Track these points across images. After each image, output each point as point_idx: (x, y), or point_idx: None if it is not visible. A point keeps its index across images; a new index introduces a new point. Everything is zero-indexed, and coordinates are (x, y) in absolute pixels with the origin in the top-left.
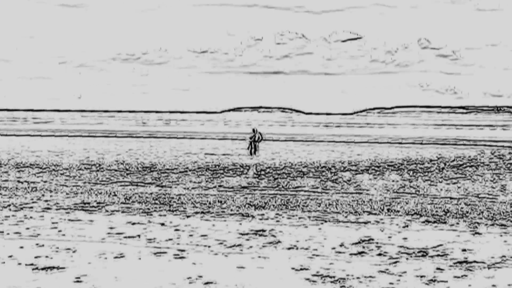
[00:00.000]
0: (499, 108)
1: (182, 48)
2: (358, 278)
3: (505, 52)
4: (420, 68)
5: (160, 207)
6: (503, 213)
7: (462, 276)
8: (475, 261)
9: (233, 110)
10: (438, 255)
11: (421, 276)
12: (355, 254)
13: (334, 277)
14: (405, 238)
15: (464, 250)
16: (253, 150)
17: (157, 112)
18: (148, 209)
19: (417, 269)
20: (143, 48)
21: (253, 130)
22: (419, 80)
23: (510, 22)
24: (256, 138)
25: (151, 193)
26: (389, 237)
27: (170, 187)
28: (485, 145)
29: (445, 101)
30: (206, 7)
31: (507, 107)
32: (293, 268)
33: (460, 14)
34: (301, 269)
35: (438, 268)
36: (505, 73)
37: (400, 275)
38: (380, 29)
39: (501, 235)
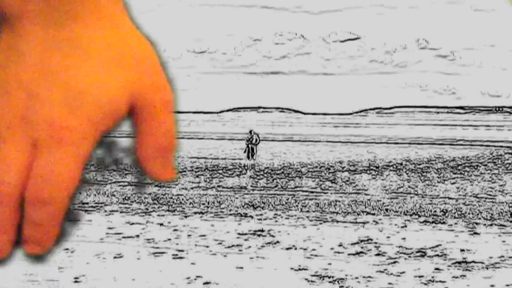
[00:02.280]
0: (498, 108)
1: (181, 48)
2: (356, 278)
3: (503, 53)
4: (419, 69)
5: (158, 207)
6: (502, 213)
7: (460, 276)
8: (473, 261)
9: (232, 110)
10: (436, 255)
11: (420, 276)
12: (353, 254)
13: (332, 277)
14: (403, 238)
15: (462, 250)
16: (250, 153)
17: None
18: (147, 209)
19: (416, 269)
20: None
21: (250, 132)
22: (417, 81)
23: (508, 22)
24: (254, 141)
25: (150, 193)
26: (388, 237)
27: (169, 187)
28: (484, 145)
29: (444, 101)
30: (204, 7)
31: (507, 107)
32: (292, 268)
33: (458, 15)
34: (300, 269)
35: (436, 268)
36: (503, 73)
37: (398, 275)
38: (378, 29)
39: (499, 235)
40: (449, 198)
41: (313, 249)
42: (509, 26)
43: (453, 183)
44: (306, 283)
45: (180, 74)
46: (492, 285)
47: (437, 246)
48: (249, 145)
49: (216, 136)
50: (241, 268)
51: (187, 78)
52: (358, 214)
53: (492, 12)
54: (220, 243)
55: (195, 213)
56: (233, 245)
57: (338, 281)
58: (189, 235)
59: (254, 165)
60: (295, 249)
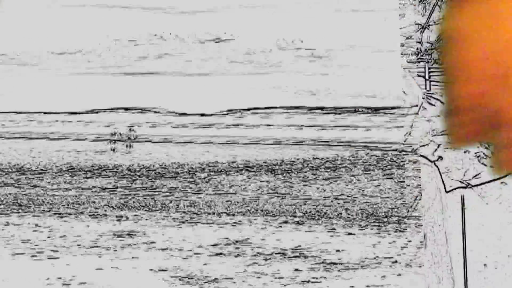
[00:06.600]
0: (357, 109)
1: (41, 49)
2: (216, 279)
3: (365, 53)
4: (281, 69)
5: (19, 208)
6: (361, 214)
7: (320, 277)
8: (332, 263)
9: (93, 112)
10: (295, 257)
11: (279, 278)
12: (214, 255)
13: (194, 277)
14: (263, 239)
15: (322, 251)
16: (114, 148)
17: (21, 113)
18: (7, 210)
19: (276, 271)
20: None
21: (129, 128)
22: (279, 81)
23: (370, 22)
24: (130, 137)
25: (10, 194)
26: (247, 238)
27: (34, 186)
28: (344, 146)
29: (305, 102)
30: (65, 8)
31: (365, 108)
32: (152, 270)
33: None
34: (162, 270)
35: (296, 269)
36: (365, 74)
37: (258, 277)
38: (246, 29)
39: (357, 236)
40: (309, 199)
41: (174, 250)
42: (371, 26)
43: (313, 184)
44: (168, 284)
45: (42, 76)
46: (351, 286)
47: (296, 247)
48: (126, 141)
49: (78, 137)
50: (101, 269)
51: (49, 80)
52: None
53: (352, 13)
54: (81, 244)
55: (57, 213)
56: (95, 246)
57: (199, 282)
58: (62, 236)
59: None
60: (155, 250)
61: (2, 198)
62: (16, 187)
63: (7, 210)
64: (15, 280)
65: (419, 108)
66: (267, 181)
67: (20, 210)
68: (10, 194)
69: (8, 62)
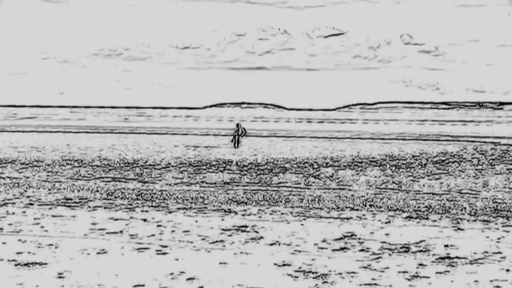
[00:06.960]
0: (481, 104)
1: (165, 44)
2: (340, 273)
3: (488, 48)
4: (403, 64)
5: (142, 203)
6: (486, 208)
7: (444, 272)
8: (457, 257)
9: (216, 106)
10: (420, 251)
11: (403, 272)
12: (337, 250)
13: (316, 272)
14: (387, 234)
15: (446, 246)
16: (236, 143)
17: (139, 108)
18: (130, 204)
19: (400, 265)
20: (126, 43)
21: (237, 125)
22: (401, 76)
23: (492, 18)
24: (240, 132)
25: (134, 189)
26: (372, 233)
27: (153, 182)
28: (467, 140)
29: (428, 97)
30: (187, 2)
31: (489, 102)
32: (275, 264)
33: (442, 10)
34: (283, 265)
35: (420, 264)
36: (487, 69)
37: (382, 271)
38: (363, 24)
39: (483, 231)
40: (433, 194)
41: (297, 245)
42: (493, 21)
43: (437, 179)
44: (290, 278)
45: (164, 70)
46: (476, 281)
47: (420, 241)
48: (236, 136)
49: (200, 132)
50: (225, 263)
51: (171, 74)
52: (342, 210)
53: (476, 8)
54: (204, 239)
55: (179, 208)
56: (216, 241)
57: (321, 277)
58: (172, 231)
59: (238, 161)
60: (279, 244)
61: (126, 193)
62: (139, 181)
63: (131, 205)
64: (139, 275)
65: None
66: (391, 176)
67: (144, 205)
68: (134, 189)
69: (133, 57)
